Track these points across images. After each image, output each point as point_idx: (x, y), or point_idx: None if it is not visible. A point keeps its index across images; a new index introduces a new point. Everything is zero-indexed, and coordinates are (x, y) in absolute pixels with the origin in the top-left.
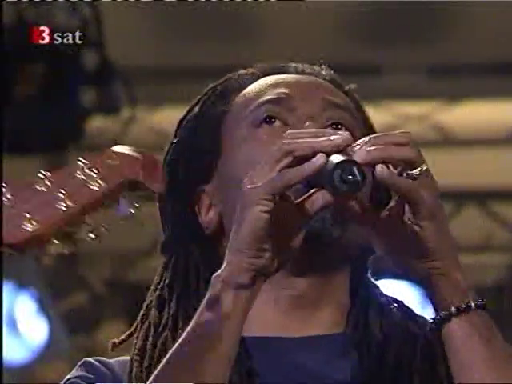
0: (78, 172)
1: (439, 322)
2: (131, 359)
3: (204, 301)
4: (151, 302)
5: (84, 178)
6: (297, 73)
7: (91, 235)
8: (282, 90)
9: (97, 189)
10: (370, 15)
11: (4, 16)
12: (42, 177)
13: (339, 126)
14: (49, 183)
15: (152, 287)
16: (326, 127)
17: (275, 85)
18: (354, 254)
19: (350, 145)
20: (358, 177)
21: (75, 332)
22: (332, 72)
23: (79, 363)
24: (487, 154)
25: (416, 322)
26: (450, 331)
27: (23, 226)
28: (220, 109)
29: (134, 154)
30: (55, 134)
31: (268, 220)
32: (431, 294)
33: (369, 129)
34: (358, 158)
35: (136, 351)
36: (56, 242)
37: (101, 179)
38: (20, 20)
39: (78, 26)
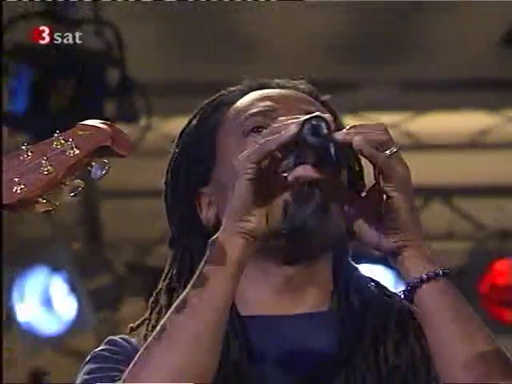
0: (56, 142)
1: (411, 289)
2: (145, 335)
3: (203, 259)
4: (160, 290)
5: (60, 146)
6: (279, 87)
7: (70, 194)
8: (267, 102)
9: (72, 155)
10: (350, 40)
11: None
12: (25, 148)
13: None
14: (31, 153)
15: (162, 277)
16: None
17: (261, 99)
18: (333, 243)
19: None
20: (325, 130)
21: (100, 308)
22: (310, 85)
23: (105, 340)
24: (449, 157)
25: (390, 298)
26: (420, 297)
27: (14, 190)
28: (213, 122)
29: (102, 125)
30: None
31: (253, 186)
32: (402, 264)
33: None
34: (336, 137)
35: (150, 328)
36: (42, 201)
37: (75, 147)
38: (58, 45)
39: (103, 48)
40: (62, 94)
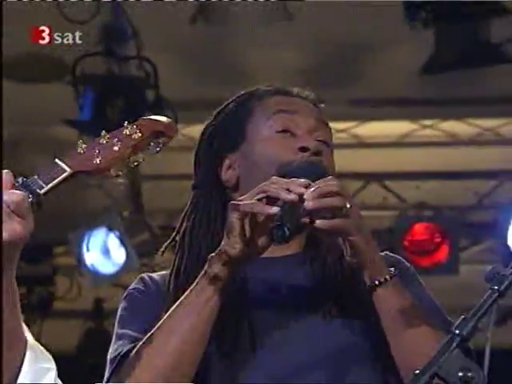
0: (125, 129)
1: (370, 290)
2: (169, 276)
3: (200, 273)
4: (186, 227)
5: (128, 132)
6: (297, 94)
7: (134, 164)
8: (293, 108)
9: (136, 137)
10: (315, 69)
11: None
12: (103, 134)
13: (325, 143)
14: (107, 137)
15: (185, 212)
16: (317, 140)
17: (289, 104)
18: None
19: (303, 194)
20: (286, 233)
21: (142, 256)
22: (314, 96)
23: (138, 277)
24: (383, 152)
25: (346, 250)
26: (377, 296)
27: (94, 161)
28: (247, 109)
29: (157, 117)
30: None
31: (239, 225)
32: (362, 272)
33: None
34: (306, 206)
35: (175, 270)
36: (114, 169)
37: (139, 131)
38: (112, 73)
39: (143, 76)
40: (114, 108)
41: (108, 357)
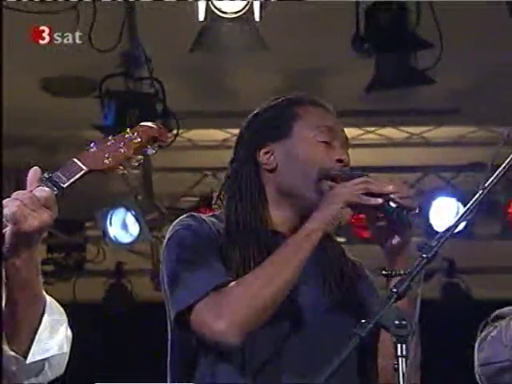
0: (127, 134)
1: (388, 276)
2: (226, 228)
3: (295, 236)
4: (231, 198)
5: (130, 137)
6: (328, 107)
7: (136, 164)
8: (333, 124)
9: (136, 141)
10: (288, 86)
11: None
12: (110, 138)
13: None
14: (113, 140)
15: (224, 180)
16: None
17: (329, 120)
18: None
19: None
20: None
21: (152, 230)
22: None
23: (186, 215)
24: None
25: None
26: (392, 282)
27: (104, 161)
28: (294, 112)
29: (154, 124)
30: None
31: (339, 210)
32: (390, 261)
33: None
34: (395, 199)
35: (230, 222)
36: (121, 167)
37: (138, 136)
38: (130, 90)
39: (154, 92)
40: (131, 116)
41: (184, 277)
